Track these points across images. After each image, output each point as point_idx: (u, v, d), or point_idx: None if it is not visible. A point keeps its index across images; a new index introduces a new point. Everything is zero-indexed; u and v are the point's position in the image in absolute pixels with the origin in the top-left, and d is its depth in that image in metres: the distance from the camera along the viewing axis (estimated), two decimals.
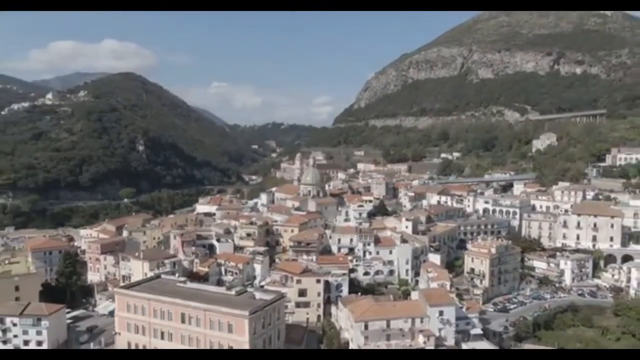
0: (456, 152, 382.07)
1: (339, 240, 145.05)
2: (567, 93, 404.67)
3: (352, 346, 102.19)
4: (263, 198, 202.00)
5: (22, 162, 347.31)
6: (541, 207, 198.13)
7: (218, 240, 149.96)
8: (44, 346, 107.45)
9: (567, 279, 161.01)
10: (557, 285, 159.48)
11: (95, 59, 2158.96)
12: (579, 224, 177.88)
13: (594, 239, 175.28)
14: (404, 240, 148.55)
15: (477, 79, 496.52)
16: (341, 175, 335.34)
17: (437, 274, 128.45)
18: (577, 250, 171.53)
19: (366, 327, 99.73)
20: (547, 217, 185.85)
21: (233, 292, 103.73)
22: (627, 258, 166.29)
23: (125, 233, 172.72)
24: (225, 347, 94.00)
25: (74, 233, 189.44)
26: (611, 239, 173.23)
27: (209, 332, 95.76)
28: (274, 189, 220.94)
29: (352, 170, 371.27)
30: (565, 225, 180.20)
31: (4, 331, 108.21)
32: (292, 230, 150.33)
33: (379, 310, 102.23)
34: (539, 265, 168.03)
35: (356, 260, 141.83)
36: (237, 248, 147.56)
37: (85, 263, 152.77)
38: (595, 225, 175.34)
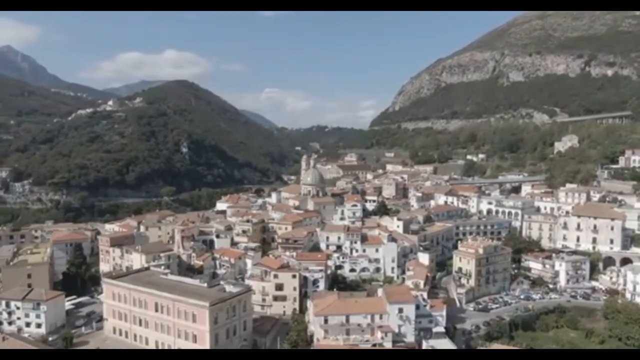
0: (482, 154, 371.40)
1: (327, 238, 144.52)
2: (596, 95, 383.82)
3: (314, 339, 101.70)
4: (273, 197, 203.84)
5: (76, 163, 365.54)
6: (545, 208, 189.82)
7: (217, 236, 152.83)
8: (42, 328, 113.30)
9: (562, 280, 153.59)
10: (550, 286, 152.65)
11: (158, 67, 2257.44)
12: (579, 225, 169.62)
13: (594, 240, 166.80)
14: (393, 239, 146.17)
15: (508, 82, 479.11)
16: (369, 175, 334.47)
17: (414, 272, 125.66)
18: (574, 252, 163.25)
19: (326, 321, 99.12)
20: (547, 218, 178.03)
21: (205, 285, 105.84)
22: (627, 261, 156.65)
23: (142, 228, 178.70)
24: (190, 336, 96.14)
25: (100, 227, 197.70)
26: (611, 241, 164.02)
27: (177, 320, 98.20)
28: (282, 188, 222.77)
29: (380, 171, 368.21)
30: (565, 226, 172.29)
31: (9, 313, 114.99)
32: (286, 228, 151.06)
33: (339, 306, 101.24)
34: (535, 266, 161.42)
35: (343, 257, 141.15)
36: (234, 244, 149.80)
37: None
38: (595, 227, 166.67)
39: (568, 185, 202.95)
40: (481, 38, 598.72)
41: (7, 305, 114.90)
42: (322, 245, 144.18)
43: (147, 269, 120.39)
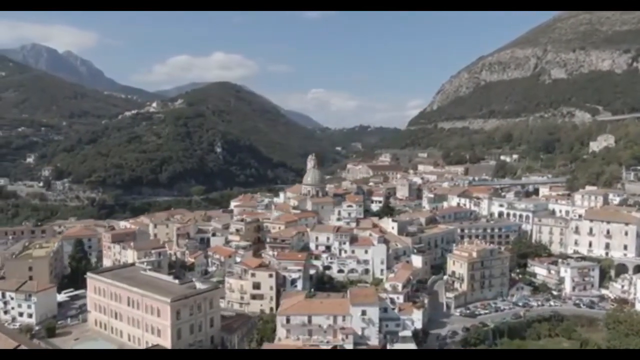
0: (516, 154, 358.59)
1: (317, 238, 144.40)
2: None
3: (276, 339, 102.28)
4: (281, 197, 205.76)
5: (113, 162, 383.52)
6: (560, 211, 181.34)
7: (213, 235, 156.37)
8: (33, 318, 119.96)
9: (567, 287, 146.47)
10: (554, 293, 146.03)
11: (207, 70, 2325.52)
12: (591, 230, 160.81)
13: (607, 246, 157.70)
14: (385, 241, 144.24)
15: (550, 79, 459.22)
16: (398, 176, 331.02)
17: (397, 274, 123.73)
18: (584, 258, 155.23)
19: (288, 320, 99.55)
20: (558, 222, 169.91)
21: (177, 282, 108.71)
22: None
23: (151, 225, 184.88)
24: (155, 330, 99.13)
25: (116, 224, 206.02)
26: (625, 247, 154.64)
27: (145, 315, 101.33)
28: (287, 188, 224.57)
29: (411, 171, 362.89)
30: (576, 231, 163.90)
31: (5, 303, 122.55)
32: (279, 227, 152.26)
33: (303, 306, 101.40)
34: (540, 271, 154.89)
35: (331, 258, 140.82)
36: (228, 242, 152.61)
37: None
38: (608, 232, 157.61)
39: (588, 188, 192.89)
40: (524, 34, 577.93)
41: (3, 295, 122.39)
42: (312, 246, 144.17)
43: (133, 264, 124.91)
